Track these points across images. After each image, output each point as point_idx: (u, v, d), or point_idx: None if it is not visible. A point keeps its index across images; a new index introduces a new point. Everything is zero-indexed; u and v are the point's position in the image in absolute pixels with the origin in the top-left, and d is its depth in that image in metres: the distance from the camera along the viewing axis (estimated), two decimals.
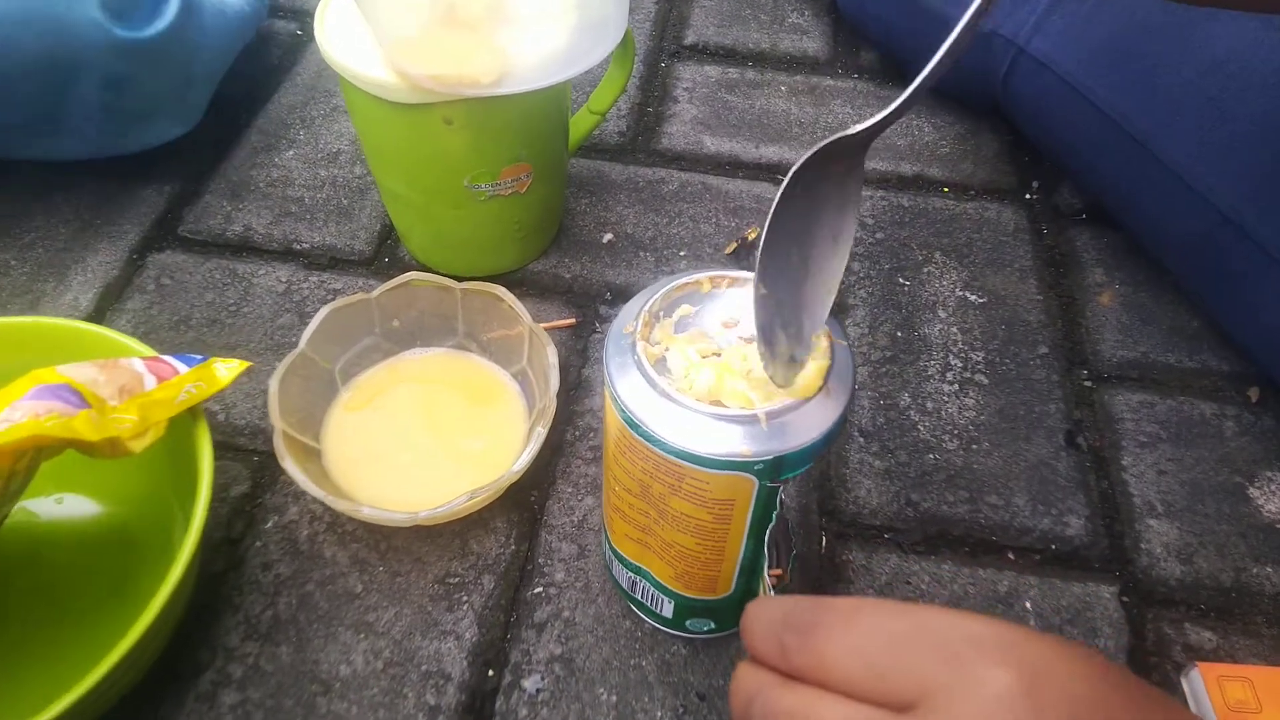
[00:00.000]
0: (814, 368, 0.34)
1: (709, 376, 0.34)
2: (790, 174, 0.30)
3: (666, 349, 0.35)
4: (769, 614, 0.29)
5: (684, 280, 0.37)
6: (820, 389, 0.33)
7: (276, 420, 0.46)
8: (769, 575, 0.36)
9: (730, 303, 0.37)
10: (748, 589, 0.40)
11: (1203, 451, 0.54)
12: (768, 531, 0.34)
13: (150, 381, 0.41)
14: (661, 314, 0.36)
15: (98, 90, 0.59)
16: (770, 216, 0.31)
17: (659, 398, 0.33)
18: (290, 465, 0.45)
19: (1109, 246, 0.66)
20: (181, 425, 0.44)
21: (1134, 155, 0.58)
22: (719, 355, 0.35)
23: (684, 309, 0.37)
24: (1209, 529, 0.51)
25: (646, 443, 0.34)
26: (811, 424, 0.33)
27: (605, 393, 0.36)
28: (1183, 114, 0.56)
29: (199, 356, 0.44)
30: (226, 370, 0.44)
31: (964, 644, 0.24)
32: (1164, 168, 0.56)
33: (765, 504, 0.35)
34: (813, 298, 0.34)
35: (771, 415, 0.32)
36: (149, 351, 0.45)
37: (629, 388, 0.34)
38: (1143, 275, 0.64)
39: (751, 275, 0.37)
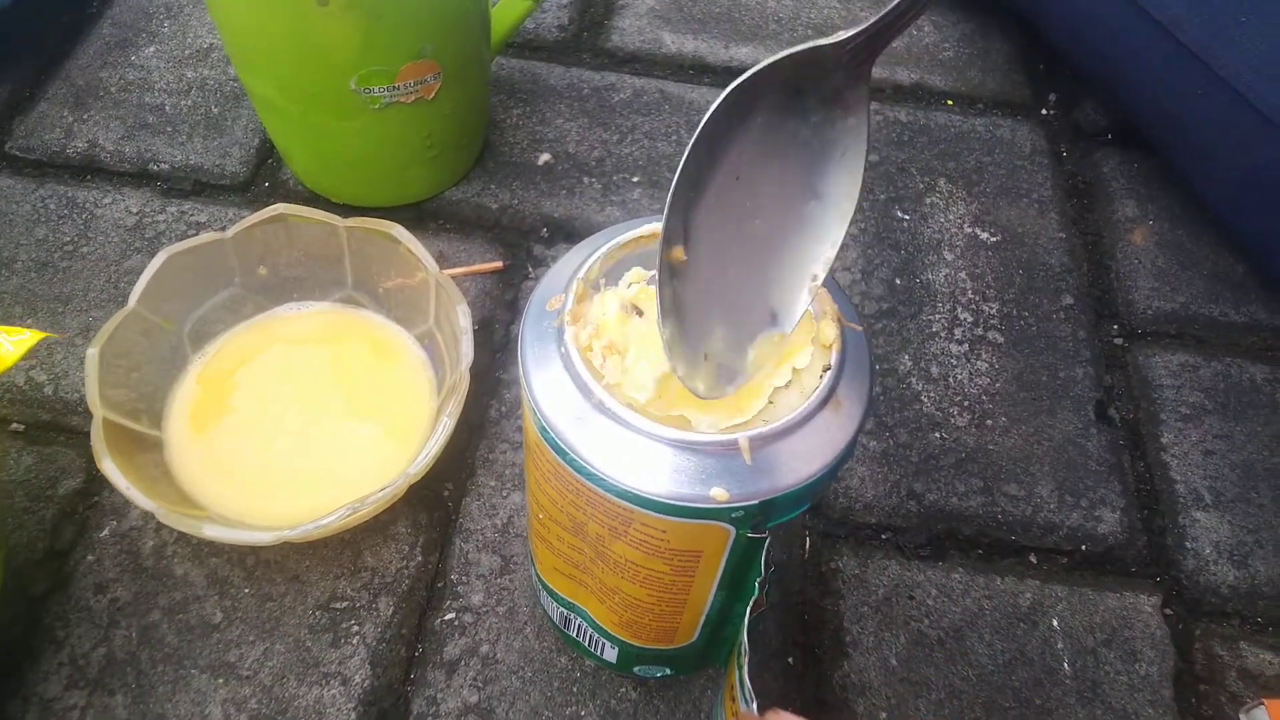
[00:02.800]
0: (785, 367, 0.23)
1: (647, 372, 0.23)
2: (724, 95, 0.19)
3: (607, 340, 0.24)
4: None
5: (635, 233, 0.26)
6: (826, 401, 0.23)
7: (95, 405, 0.35)
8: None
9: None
10: (715, 637, 0.31)
11: (1255, 426, 0.45)
12: (749, 607, 0.24)
13: None
14: (603, 282, 0.25)
15: None
16: (692, 146, 0.20)
17: (595, 413, 0.22)
18: (110, 467, 0.33)
19: (1140, 174, 0.55)
20: None
21: (1184, 68, 0.48)
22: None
23: (635, 274, 0.26)
24: (1265, 523, 0.42)
25: (577, 474, 0.23)
26: (813, 451, 0.22)
27: (522, 396, 0.25)
28: (1250, 17, 0.46)
29: None
30: (12, 344, 0.32)
31: None
32: (1222, 83, 0.46)
33: (745, 555, 0.25)
34: (773, 282, 0.23)
35: (757, 442, 0.22)
36: None
37: (553, 394, 0.23)
38: (1180, 209, 0.54)
39: None
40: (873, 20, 0.19)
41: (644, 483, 0.22)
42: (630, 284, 0.25)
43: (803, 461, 0.22)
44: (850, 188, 0.22)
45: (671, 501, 0.22)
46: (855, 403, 0.23)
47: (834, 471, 0.23)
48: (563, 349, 0.23)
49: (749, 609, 0.24)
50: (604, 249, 0.25)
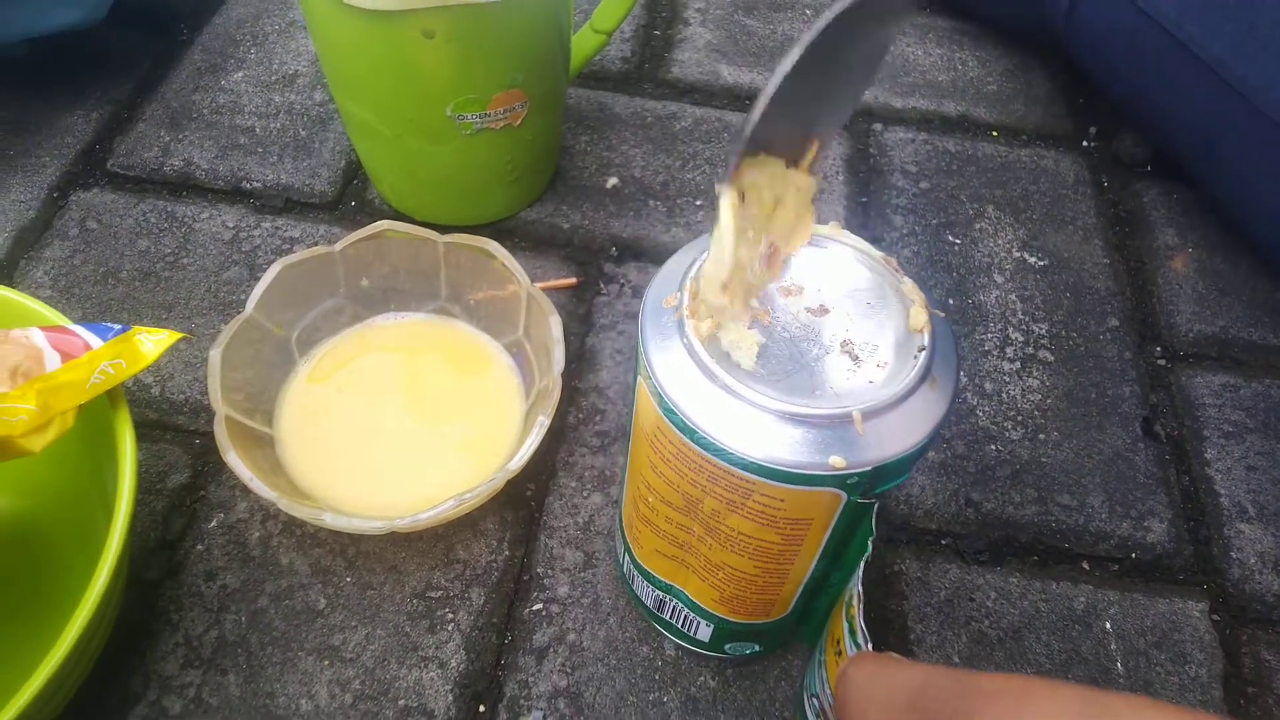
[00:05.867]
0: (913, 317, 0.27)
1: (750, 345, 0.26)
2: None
3: (718, 326, 0.27)
4: (889, 691, 0.21)
5: None
6: (924, 378, 0.25)
7: (218, 403, 0.38)
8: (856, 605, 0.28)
9: (793, 265, 0.29)
10: (807, 608, 0.33)
11: None
12: (862, 561, 0.27)
13: (53, 360, 0.33)
14: None
15: None
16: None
17: (721, 394, 0.25)
18: (235, 460, 0.36)
19: (1179, 204, 0.58)
20: (98, 409, 0.35)
21: (1228, 106, 0.50)
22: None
23: None
24: None
25: (704, 451, 0.26)
26: (915, 422, 0.25)
27: (640, 386, 0.28)
28: None
29: (116, 326, 0.35)
30: (153, 343, 0.35)
31: None
32: (1266, 120, 0.49)
33: (850, 522, 0.27)
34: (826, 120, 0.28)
35: (868, 415, 0.25)
36: (55, 318, 0.36)
37: (678, 381, 0.26)
38: (1218, 238, 0.56)
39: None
40: None
41: (769, 454, 0.24)
42: None
43: (907, 432, 0.25)
44: (874, 63, 0.27)
45: (794, 470, 0.24)
46: (948, 379, 0.26)
47: (932, 441, 0.26)
48: (685, 340, 0.26)
49: (862, 564, 0.27)
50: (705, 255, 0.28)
